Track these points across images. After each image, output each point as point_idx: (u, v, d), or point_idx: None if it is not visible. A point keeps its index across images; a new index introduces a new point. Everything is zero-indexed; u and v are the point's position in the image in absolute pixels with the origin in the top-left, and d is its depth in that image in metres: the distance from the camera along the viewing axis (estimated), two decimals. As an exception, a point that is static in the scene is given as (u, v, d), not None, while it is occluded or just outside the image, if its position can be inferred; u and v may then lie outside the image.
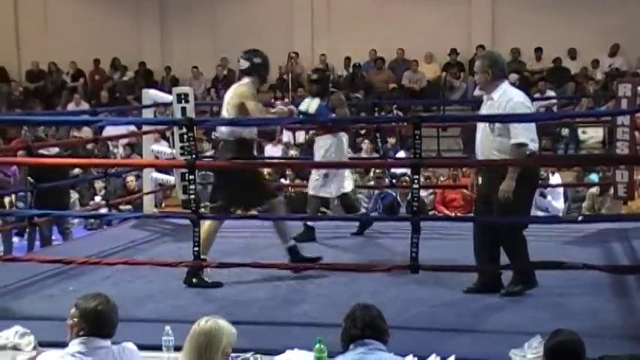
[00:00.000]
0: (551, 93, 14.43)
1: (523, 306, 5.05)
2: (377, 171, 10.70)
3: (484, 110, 5.35)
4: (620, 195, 7.69)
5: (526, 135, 5.07)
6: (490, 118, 5.17)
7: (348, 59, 16.32)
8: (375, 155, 11.34)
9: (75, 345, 3.25)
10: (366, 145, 12.44)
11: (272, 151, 13.70)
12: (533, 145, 5.12)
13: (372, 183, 11.40)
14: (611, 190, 8.97)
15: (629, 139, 7.19)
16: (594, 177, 10.90)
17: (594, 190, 10.02)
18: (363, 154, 12.29)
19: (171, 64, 17.21)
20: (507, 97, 5.18)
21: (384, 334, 3.28)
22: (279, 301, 5.30)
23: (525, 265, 5.23)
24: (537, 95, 14.21)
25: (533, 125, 5.18)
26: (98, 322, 3.26)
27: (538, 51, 15.68)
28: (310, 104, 7.10)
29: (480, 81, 5.44)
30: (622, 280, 5.47)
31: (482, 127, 5.29)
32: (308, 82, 7.20)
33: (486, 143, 5.23)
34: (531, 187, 5.40)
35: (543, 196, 10.20)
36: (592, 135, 13.32)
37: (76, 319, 3.27)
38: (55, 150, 8.85)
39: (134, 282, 5.78)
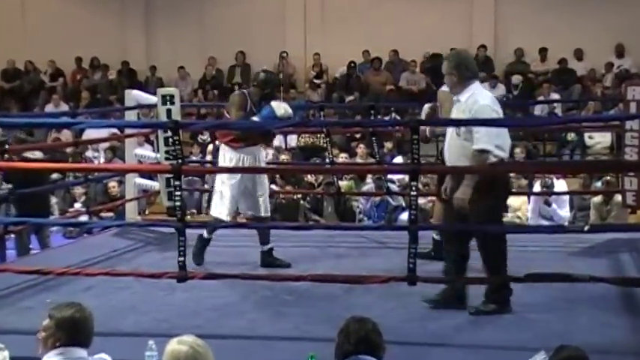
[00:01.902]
0: (556, 95, 14.47)
1: (526, 320, 5.06)
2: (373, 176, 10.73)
3: (453, 113, 5.34)
4: (629, 203, 7.68)
5: (488, 141, 4.97)
6: (490, 123, 5.15)
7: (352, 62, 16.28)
8: (371, 160, 11.36)
9: (52, 357, 3.23)
10: (361, 149, 12.45)
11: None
12: (499, 152, 5.01)
13: (366, 188, 11.43)
14: (618, 198, 8.99)
15: (639, 145, 7.20)
16: (598, 184, 10.91)
17: (598, 198, 10.01)
18: (358, 159, 12.30)
19: (156, 63, 17.17)
20: (474, 99, 5.14)
21: (379, 350, 3.26)
22: (270, 314, 5.29)
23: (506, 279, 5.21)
24: (541, 98, 14.29)
25: (500, 131, 5.08)
26: (76, 331, 3.25)
27: (543, 51, 15.71)
28: (285, 106, 6.51)
29: (447, 83, 5.44)
30: (631, 293, 5.48)
31: (449, 131, 5.29)
32: (264, 85, 6.53)
33: (453, 148, 5.23)
34: (500, 195, 5.37)
35: (548, 204, 10.22)
36: (599, 140, 13.34)
37: (51, 330, 3.26)
38: (39, 154, 8.81)
39: (116, 293, 5.76)
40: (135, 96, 8.63)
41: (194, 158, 12.65)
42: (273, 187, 11.93)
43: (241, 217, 7.32)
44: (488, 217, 5.12)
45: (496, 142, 5.00)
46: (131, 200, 8.82)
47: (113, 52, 17.27)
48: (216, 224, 6.50)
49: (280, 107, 6.36)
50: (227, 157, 6.54)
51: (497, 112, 5.18)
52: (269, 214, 6.72)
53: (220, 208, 6.51)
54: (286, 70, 16.04)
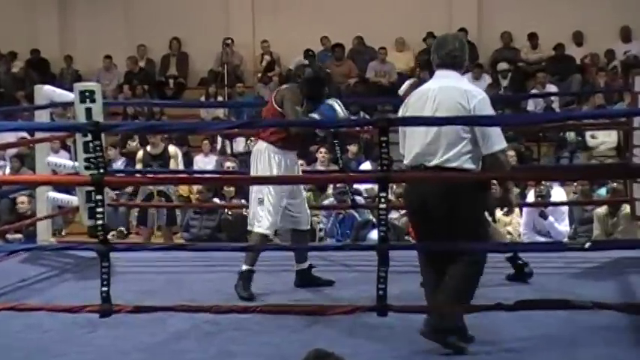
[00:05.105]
0: (552, 87, 14.62)
1: (520, 357, 5.09)
2: (338, 186, 10.74)
3: None
4: (639, 214, 7.78)
5: None
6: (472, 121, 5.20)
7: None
8: (334, 167, 11.43)
9: None
10: (322, 154, 12.47)
11: (202, 162, 13.67)
12: None
13: (328, 202, 11.45)
14: (626, 209, 9.09)
15: (649, 145, 7.30)
16: (603, 192, 11.00)
17: (602, 210, 10.10)
18: (319, 167, 12.33)
19: (72, 53, 17.08)
20: None
21: (344, 395, 3.23)
22: (214, 353, 5.28)
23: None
24: (535, 90, 14.43)
25: None
26: None
27: (535, 35, 15.84)
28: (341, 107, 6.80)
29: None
30: (642, 321, 5.55)
31: None
32: (312, 83, 6.72)
33: None
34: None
35: (543, 217, 10.31)
36: (603, 140, 13.51)
37: None
38: None
39: (25, 333, 5.70)
40: (47, 92, 8.57)
41: (120, 167, 12.59)
42: (216, 200, 11.93)
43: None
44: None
45: None
46: (44, 219, 8.76)
47: (19, 39, 17.15)
48: (259, 246, 6.59)
49: (338, 108, 6.60)
50: (274, 158, 6.60)
51: None
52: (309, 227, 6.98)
53: (264, 221, 6.55)
54: (231, 60, 16.03)
